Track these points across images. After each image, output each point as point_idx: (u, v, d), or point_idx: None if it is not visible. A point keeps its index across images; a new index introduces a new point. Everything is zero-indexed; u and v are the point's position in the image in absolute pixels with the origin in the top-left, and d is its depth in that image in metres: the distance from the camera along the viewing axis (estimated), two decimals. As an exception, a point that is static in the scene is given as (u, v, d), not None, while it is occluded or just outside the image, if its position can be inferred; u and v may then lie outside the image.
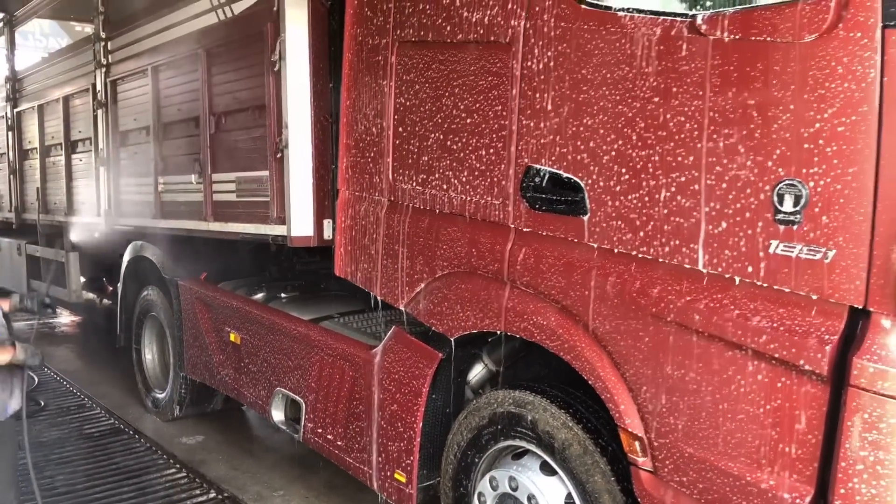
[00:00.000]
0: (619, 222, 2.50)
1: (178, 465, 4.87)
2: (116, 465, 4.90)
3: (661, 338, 2.41)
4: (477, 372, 3.42)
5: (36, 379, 6.75)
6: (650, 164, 2.41)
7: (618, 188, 2.50)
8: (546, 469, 2.89)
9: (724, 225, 2.24)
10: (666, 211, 2.37)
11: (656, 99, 2.38)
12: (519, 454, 3.02)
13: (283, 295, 4.76)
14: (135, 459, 5.00)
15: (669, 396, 2.40)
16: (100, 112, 6.26)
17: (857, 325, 2.05)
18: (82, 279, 7.44)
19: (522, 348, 3.12)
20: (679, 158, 2.33)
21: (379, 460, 3.55)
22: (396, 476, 3.44)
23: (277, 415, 4.34)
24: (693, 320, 2.32)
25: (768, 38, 2.12)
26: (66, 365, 7.61)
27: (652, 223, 2.42)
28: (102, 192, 6.30)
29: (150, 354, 6.07)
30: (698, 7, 2.35)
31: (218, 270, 5.24)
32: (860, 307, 2.03)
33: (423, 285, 3.29)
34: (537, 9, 2.72)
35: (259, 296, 4.82)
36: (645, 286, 2.46)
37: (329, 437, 3.92)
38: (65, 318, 9.97)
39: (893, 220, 1.95)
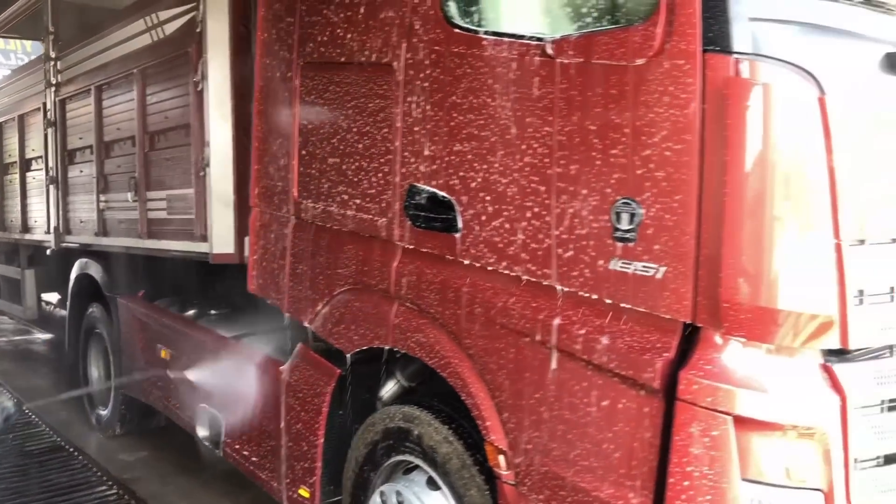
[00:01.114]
0: (486, 240, 2.56)
1: (109, 483, 4.89)
2: (49, 483, 4.91)
3: (521, 354, 2.46)
4: (389, 388, 3.45)
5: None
6: (511, 186, 2.47)
7: (483, 207, 2.56)
8: (432, 484, 2.92)
9: (573, 243, 2.29)
10: (524, 230, 2.43)
11: (513, 123, 2.44)
12: (410, 469, 3.06)
13: (213, 312, 4.80)
14: (68, 476, 5.01)
15: (528, 412, 2.45)
16: (50, 131, 6.32)
17: (691, 340, 2.10)
18: (58, 296, 7.47)
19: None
20: (534, 181, 2.39)
21: (287, 477, 3.57)
22: (301, 492, 3.47)
23: (202, 431, 4.36)
24: (547, 337, 2.37)
25: (606, 62, 2.18)
26: (23, 382, 7.62)
27: (513, 241, 2.47)
28: (52, 210, 6.36)
29: (95, 371, 6.10)
30: (551, 30, 2.41)
31: (156, 288, 5.28)
32: (690, 323, 2.08)
33: (324, 302, 3.34)
34: (416, 32, 2.79)
35: (190, 312, 4.86)
36: (507, 303, 2.51)
37: (245, 453, 3.95)
38: (33, 336, 9.99)
39: (716, 241, 2.01)
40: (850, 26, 2.14)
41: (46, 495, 4.70)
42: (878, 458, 2.33)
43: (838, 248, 2.03)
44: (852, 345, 2.10)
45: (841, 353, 2.20)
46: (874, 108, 2.15)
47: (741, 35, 1.96)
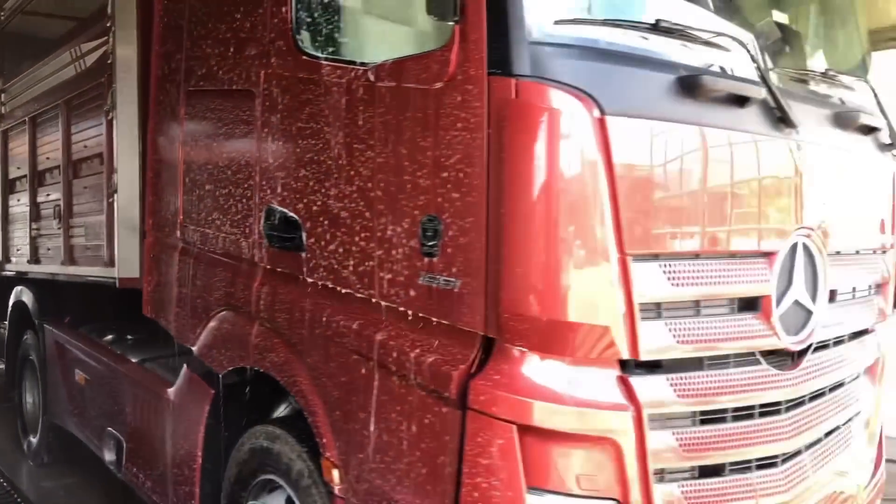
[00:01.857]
0: (325, 259, 2.64)
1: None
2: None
3: (349, 371, 2.52)
4: (281, 410, 3.49)
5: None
6: (342, 208, 2.55)
7: (322, 228, 2.64)
8: (290, 502, 2.96)
9: (392, 260, 2.37)
10: (353, 249, 2.51)
11: (343, 147, 2.53)
12: (274, 488, 3.09)
13: (129, 337, 4.85)
14: (-11, 501, 5.03)
15: (356, 427, 2.50)
16: (-6, 161, 6.44)
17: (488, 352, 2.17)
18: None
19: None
20: (360, 203, 2.48)
21: (172, 499, 3.60)
22: (181, 510, 3.50)
23: (108, 455, 4.39)
24: (370, 353, 2.44)
25: (413, 86, 2.28)
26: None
27: (344, 260, 2.55)
28: (-6, 238, 6.45)
29: (29, 398, 6.13)
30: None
31: (81, 314, 5.34)
32: (483, 334, 2.14)
33: (202, 325, 3.40)
34: (272, 60, 2.89)
35: (108, 337, 4.91)
36: (339, 322, 2.58)
37: (141, 476, 3.98)
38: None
39: (498, 257, 2.08)
40: (643, 51, 2.23)
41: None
42: (692, 470, 2.38)
43: (622, 263, 2.10)
44: (643, 356, 2.16)
45: (651, 367, 2.27)
46: (665, 128, 2.23)
47: (522, 58, 2.06)
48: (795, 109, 2.61)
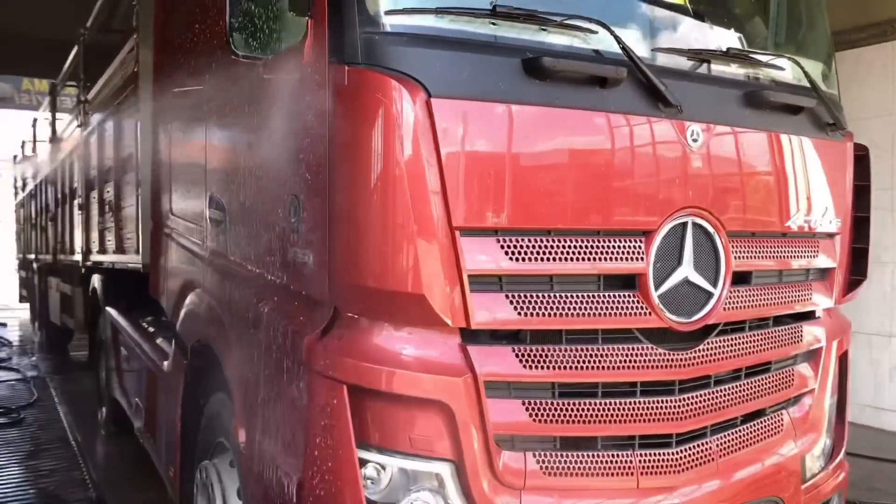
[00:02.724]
0: (238, 238, 2.91)
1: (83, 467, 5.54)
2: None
3: (247, 339, 2.77)
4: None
5: (35, 394, 7.73)
6: (242, 188, 2.82)
7: (233, 209, 2.92)
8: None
9: (274, 236, 2.59)
10: (252, 227, 2.77)
11: (246, 136, 2.80)
12: (225, 449, 3.39)
13: (163, 318, 5.33)
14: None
15: (250, 389, 2.74)
16: (78, 164, 7.21)
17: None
18: None
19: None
20: (255, 183, 2.73)
21: (164, 457, 4.00)
22: (171, 472, 3.88)
23: (137, 423, 4.89)
24: (258, 323, 2.68)
25: (285, 77, 2.49)
26: (73, 385, 8.55)
27: (248, 238, 2.81)
28: (81, 234, 7.22)
29: (103, 374, 6.83)
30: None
31: (133, 298, 5.90)
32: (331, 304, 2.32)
33: (181, 303, 3.77)
34: (218, 57, 3.17)
35: (148, 318, 5.43)
36: (245, 296, 2.84)
37: (150, 441, 4.42)
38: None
39: (336, 230, 2.25)
40: (481, 36, 2.32)
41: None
42: (553, 441, 2.45)
43: (450, 236, 2.21)
44: (474, 326, 2.26)
45: (504, 337, 2.36)
46: (502, 109, 2.31)
47: (354, 48, 2.22)
48: (689, 90, 2.61)
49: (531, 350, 2.37)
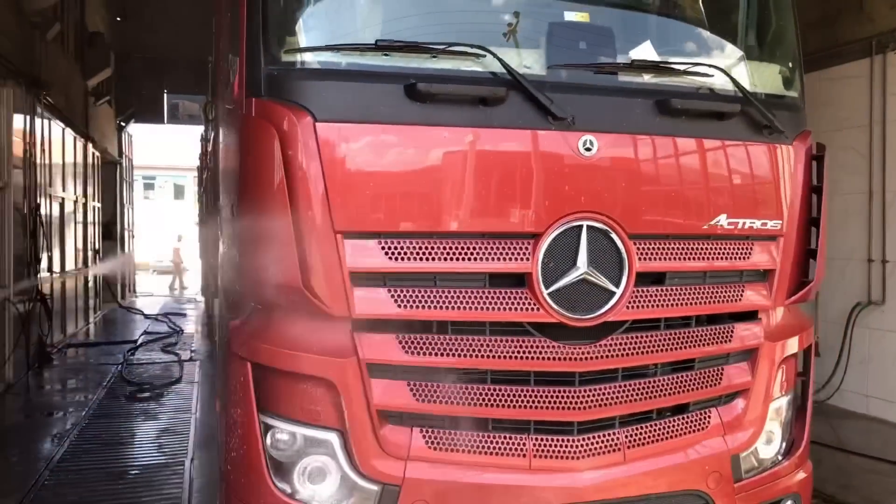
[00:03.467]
0: (227, 248, 3.49)
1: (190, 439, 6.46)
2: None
3: (221, 331, 3.32)
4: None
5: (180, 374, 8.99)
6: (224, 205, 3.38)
7: (225, 223, 3.49)
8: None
9: (228, 243, 3.12)
10: (229, 240, 3.33)
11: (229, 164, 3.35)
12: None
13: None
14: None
15: (218, 369, 3.29)
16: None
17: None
18: None
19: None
20: (226, 201, 3.28)
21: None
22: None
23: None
24: (220, 318, 3.22)
25: (237, 111, 2.98)
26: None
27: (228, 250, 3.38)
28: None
29: (224, 359, 7.85)
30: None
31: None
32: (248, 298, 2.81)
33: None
34: (226, 99, 3.74)
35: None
36: (223, 296, 3.40)
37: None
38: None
39: (248, 235, 2.73)
40: (371, 66, 2.68)
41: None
42: (442, 419, 2.78)
43: (333, 239, 2.61)
44: (356, 315, 2.63)
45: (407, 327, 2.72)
46: (385, 128, 2.66)
47: (259, 83, 2.68)
48: (589, 101, 2.81)
49: (414, 339, 2.71)
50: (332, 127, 2.62)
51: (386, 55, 2.70)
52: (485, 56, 2.73)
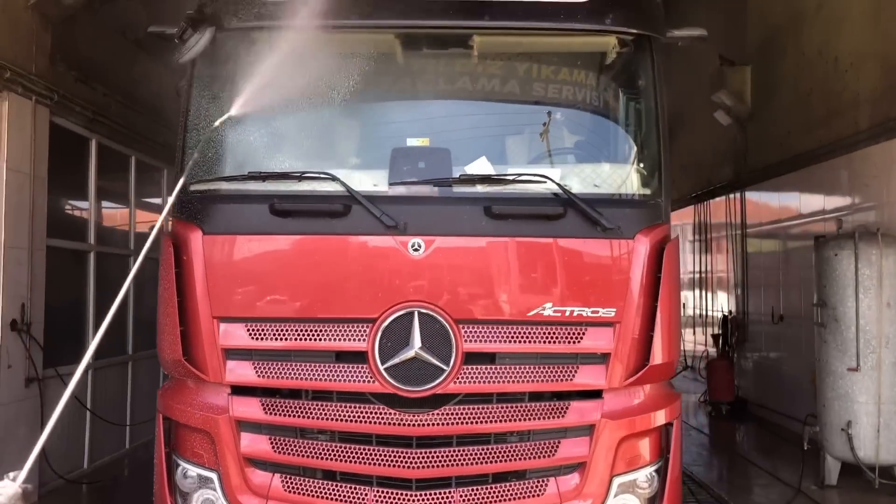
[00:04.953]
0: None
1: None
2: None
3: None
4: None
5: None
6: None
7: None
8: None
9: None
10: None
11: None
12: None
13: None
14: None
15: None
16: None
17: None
18: None
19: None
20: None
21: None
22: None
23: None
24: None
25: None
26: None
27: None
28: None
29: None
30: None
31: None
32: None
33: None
34: None
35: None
36: None
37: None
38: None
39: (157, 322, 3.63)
40: (252, 191, 3.52)
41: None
42: (298, 469, 3.48)
43: (213, 321, 3.44)
44: (226, 382, 3.44)
45: (259, 392, 3.48)
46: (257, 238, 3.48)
47: (176, 207, 3.62)
48: (425, 210, 3.44)
49: (274, 402, 3.45)
50: (216, 238, 3.49)
51: (261, 181, 3.54)
52: (334, 179, 3.47)
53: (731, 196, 11.59)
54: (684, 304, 13.98)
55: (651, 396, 3.61)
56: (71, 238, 7.25)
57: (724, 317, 11.69)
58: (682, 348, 13.48)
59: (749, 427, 10.27)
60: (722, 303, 12.19)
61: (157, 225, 3.60)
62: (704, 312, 13.03)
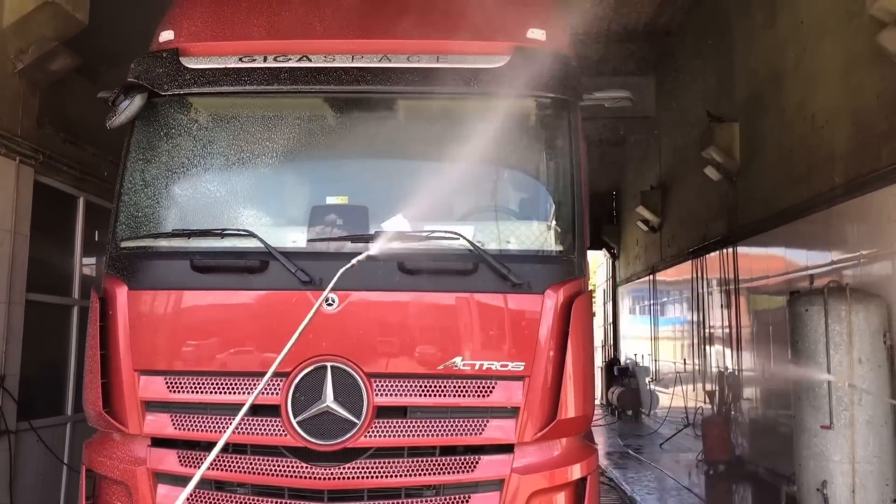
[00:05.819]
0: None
1: None
2: None
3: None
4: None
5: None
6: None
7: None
8: None
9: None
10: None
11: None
12: None
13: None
14: None
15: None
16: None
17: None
18: None
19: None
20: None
21: None
22: None
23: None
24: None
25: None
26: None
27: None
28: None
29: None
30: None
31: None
32: (100, 416, 3.81)
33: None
34: None
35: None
36: None
37: None
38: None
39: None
40: (176, 248, 3.67)
41: None
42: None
43: (132, 375, 3.55)
44: (145, 434, 3.51)
45: (180, 444, 3.56)
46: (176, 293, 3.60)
47: (108, 262, 3.77)
48: (338, 266, 3.54)
49: (190, 454, 3.52)
50: (141, 293, 3.62)
51: (185, 239, 3.68)
52: (252, 235, 3.60)
53: (724, 251, 11.58)
54: (685, 361, 13.84)
55: (566, 450, 3.62)
56: (57, 292, 7.46)
57: (720, 373, 11.56)
58: (671, 404, 13.59)
59: (744, 487, 10.05)
60: (718, 359, 12.05)
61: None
62: (703, 369, 12.88)
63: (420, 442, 3.49)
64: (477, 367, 3.50)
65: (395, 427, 3.47)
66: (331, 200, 3.78)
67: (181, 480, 3.55)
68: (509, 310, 3.56)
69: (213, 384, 3.53)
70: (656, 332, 16.49)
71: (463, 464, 3.50)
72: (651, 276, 16.62)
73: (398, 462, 3.47)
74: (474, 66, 3.71)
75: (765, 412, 10.18)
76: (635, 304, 18.84)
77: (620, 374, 18.59)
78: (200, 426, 3.53)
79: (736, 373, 11.07)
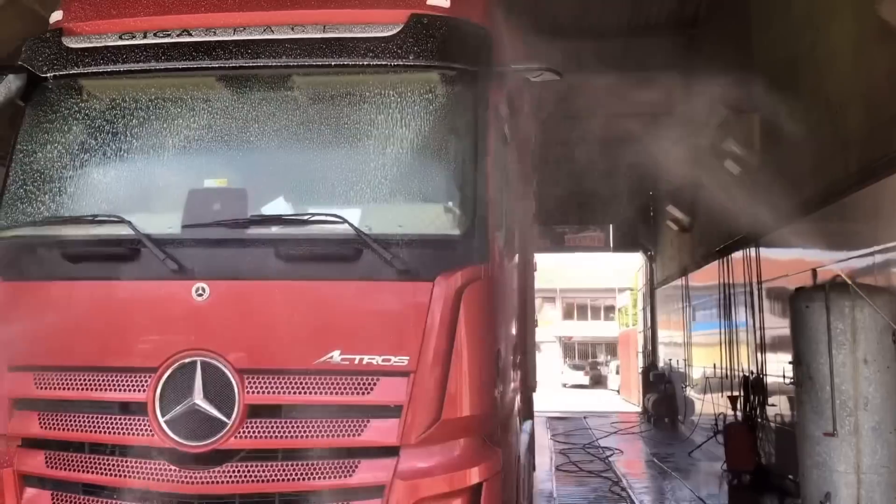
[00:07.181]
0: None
1: None
2: None
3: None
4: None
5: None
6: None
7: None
8: None
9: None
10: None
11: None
12: None
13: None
14: None
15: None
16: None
17: None
18: None
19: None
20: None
21: None
22: None
23: None
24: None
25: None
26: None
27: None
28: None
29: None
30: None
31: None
32: None
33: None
34: None
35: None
36: None
37: None
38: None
39: None
40: (48, 238, 3.47)
41: None
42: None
43: (2, 371, 3.36)
44: (11, 434, 3.31)
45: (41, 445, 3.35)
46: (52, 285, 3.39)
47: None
48: (212, 253, 3.30)
49: (57, 455, 3.30)
50: (12, 284, 3.43)
51: (59, 227, 3.48)
52: (124, 222, 3.37)
53: (747, 250, 10.96)
54: (714, 365, 13.18)
55: (461, 454, 3.27)
56: None
57: (745, 377, 10.91)
58: (702, 410, 12.92)
59: (770, 499, 9.40)
60: (744, 363, 11.39)
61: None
62: (730, 373, 12.21)
63: (293, 444, 3.19)
64: (356, 362, 3.18)
65: (268, 427, 3.19)
66: (209, 184, 3.53)
67: (49, 483, 3.34)
68: (395, 299, 3.25)
69: (79, 380, 3.31)
70: (690, 335, 15.82)
71: (340, 468, 3.19)
72: (684, 278, 15.95)
73: (272, 466, 3.18)
74: (362, 35, 3.41)
75: (789, 419, 9.53)
76: (670, 307, 18.15)
77: (656, 380, 17.91)
78: (66, 426, 3.31)
79: (761, 376, 10.42)
